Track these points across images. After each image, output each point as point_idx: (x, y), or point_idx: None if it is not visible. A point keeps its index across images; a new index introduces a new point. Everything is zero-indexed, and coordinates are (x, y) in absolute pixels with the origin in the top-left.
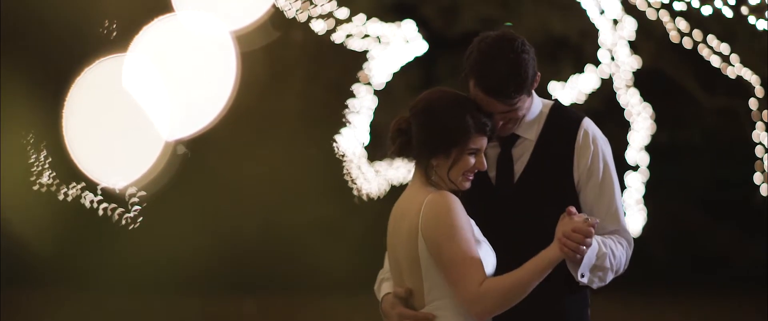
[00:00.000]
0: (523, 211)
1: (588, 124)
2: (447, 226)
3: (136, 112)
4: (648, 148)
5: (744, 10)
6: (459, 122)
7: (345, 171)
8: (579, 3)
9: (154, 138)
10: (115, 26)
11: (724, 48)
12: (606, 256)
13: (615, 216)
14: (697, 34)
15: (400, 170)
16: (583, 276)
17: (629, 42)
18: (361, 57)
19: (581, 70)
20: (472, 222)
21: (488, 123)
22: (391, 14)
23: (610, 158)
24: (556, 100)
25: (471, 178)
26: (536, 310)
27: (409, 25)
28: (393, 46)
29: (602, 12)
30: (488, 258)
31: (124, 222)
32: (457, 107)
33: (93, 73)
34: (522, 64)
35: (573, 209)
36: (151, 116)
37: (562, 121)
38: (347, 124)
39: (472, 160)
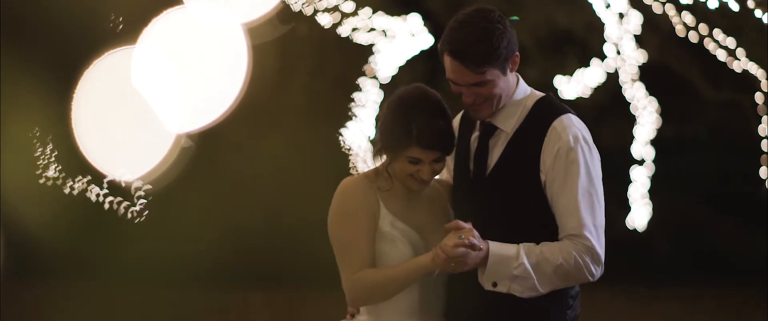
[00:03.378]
0: (493, 204)
1: (562, 120)
2: (337, 210)
3: (145, 105)
4: (653, 143)
5: (750, 3)
6: (401, 128)
7: (350, 165)
8: None
9: (163, 131)
10: (124, 18)
11: (730, 42)
12: (523, 266)
13: (574, 216)
14: (703, 27)
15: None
16: (495, 285)
17: (635, 36)
18: (367, 50)
19: (587, 64)
20: (385, 212)
21: (435, 140)
22: (397, 8)
23: (582, 156)
24: (546, 94)
25: (418, 182)
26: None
27: (414, 19)
28: (399, 40)
29: (608, 5)
30: (395, 251)
31: (129, 215)
32: (408, 111)
33: (102, 65)
34: (493, 32)
35: (457, 223)
36: (160, 109)
37: (540, 117)
38: (353, 117)
39: (412, 167)
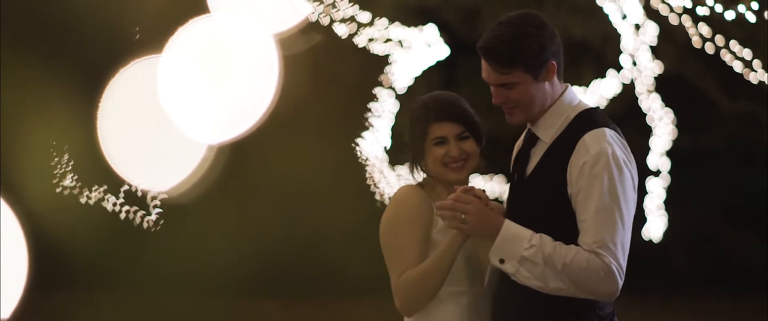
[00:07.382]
0: (526, 212)
1: (594, 134)
2: (392, 218)
3: (171, 115)
4: (669, 154)
5: (767, 15)
6: (418, 114)
7: (367, 175)
8: (601, 7)
9: (190, 142)
10: (149, 27)
11: (747, 53)
12: (535, 248)
13: (590, 232)
14: (719, 39)
15: (422, 173)
16: (502, 262)
17: (651, 47)
18: (383, 61)
19: (603, 75)
20: (437, 219)
21: (449, 109)
22: (413, 18)
23: (605, 172)
24: (591, 107)
25: (453, 166)
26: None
27: (430, 30)
28: (415, 50)
29: (624, 16)
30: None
31: (145, 225)
32: (425, 102)
33: (127, 74)
34: (524, 35)
35: (465, 187)
36: (186, 119)
37: (576, 129)
38: (369, 127)
39: (440, 150)
